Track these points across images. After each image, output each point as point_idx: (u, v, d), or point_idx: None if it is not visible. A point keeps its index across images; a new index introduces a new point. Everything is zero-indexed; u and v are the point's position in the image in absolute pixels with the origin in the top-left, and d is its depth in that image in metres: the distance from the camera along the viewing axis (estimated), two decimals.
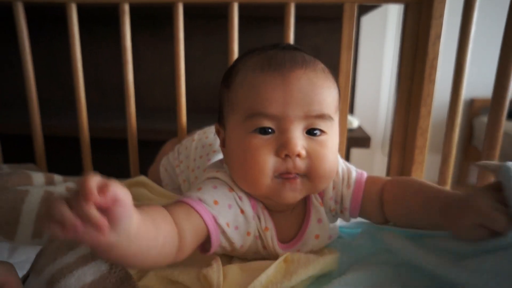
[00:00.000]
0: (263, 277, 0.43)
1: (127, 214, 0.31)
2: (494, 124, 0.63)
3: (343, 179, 0.52)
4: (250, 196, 0.49)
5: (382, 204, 0.51)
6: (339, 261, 0.48)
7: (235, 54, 0.84)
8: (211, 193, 0.46)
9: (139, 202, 0.64)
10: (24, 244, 0.49)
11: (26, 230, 0.53)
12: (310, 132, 0.45)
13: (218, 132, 0.54)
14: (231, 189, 0.48)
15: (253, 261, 0.50)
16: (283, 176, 0.44)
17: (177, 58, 0.85)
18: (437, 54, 0.79)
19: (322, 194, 0.52)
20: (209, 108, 1.47)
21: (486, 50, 1.53)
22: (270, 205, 0.50)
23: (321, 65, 0.48)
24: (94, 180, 0.28)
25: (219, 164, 0.53)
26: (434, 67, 0.79)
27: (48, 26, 1.48)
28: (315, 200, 0.51)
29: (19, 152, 1.20)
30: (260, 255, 0.51)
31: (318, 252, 0.51)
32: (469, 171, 2.04)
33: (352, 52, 0.81)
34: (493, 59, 0.66)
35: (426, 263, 0.41)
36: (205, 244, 0.46)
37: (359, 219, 0.56)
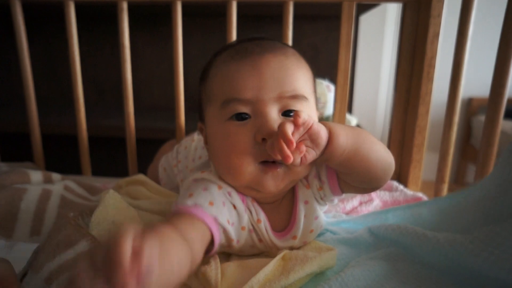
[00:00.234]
0: (261, 275, 0.43)
1: (154, 272, 0.28)
2: (491, 122, 0.63)
3: None
4: (238, 190, 0.49)
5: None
6: (337, 258, 0.48)
7: None
8: (204, 195, 0.46)
9: (138, 201, 0.64)
10: (22, 242, 0.49)
11: (24, 228, 0.53)
12: (286, 114, 0.45)
13: (201, 130, 0.54)
14: (220, 187, 0.48)
15: (251, 258, 0.50)
16: (265, 164, 0.44)
17: (176, 56, 0.85)
18: (435, 53, 0.79)
19: (307, 176, 0.50)
20: None
21: (485, 49, 1.53)
22: (259, 197, 0.50)
23: (291, 50, 0.48)
24: (127, 245, 0.26)
25: (205, 164, 0.54)
26: (432, 66, 0.79)
27: (46, 24, 1.48)
28: (301, 184, 0.51)
29: (17, 150, 1.20)
30: (257, 249, 0.51)
31: (315, 249, 0.51)
32: (467, 170, 2.04)
33: (350, 51, 0.81)
34: (491, 58, 0.66)
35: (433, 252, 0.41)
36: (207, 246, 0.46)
37: (360, 214, 0.56)
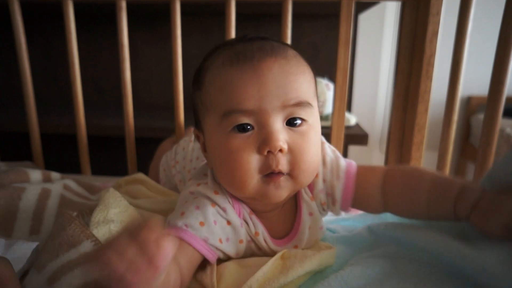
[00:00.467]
0: (260, 274, 0.43)
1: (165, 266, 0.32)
2: (490, 120, 0.63)
3: (331, 169, 0.50)
4: (234, 203, 0.48)
5: (385, 195, 0.48)
6: (336, 256, 0.48)
7: None
8: (195, 215, 0.46)
9: (138, 200, 0.64)
10: (21, 240, 0.49)
11: (23, 227, 0.53)
12: (291, 122, 0.43)
13: (197, 137, 0.52)
14: (213, 204, 0.47)
15: (250, 257, 0.50)
16: (268, 175, 0.43)
17: (175, 55, 0.85)
18: (434, 51, 0.79)
19: (312, 188, 0.50)
20: None
21: (484, 48, 1.53)
22: (258, 207, 0.49)
23: (291, 51, 0.46)
24: (155, 231, 0.30)
25: (202, 171, 0.52)
26: (431, 64, 0.79)
27: (45, 24, 1.48)
28: (305, 195, 0.50)
29: (16, 150, 1.20)
30: (258, 256, 0.51)
31: (315, 247, 0.51)
32: (466, 168, 2.04)
33: (349, 49, 0.81)
34: (490, 57, 0.66)
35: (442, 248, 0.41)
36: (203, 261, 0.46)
37: (359, 213, 0.56)
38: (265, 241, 0.49)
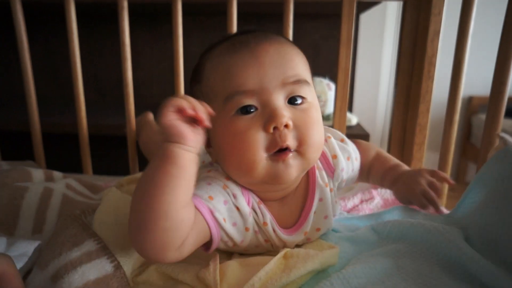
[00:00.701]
0: (262, 273, 0.43)
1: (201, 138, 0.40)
2: (492, 120, 0.63)
3: (353, 150, 0.56)
4: (244, 191, 0.48)
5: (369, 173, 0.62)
6: (339, 256, 0.48)
7: None
8: (205, 189, 0.46)
9: None
10: (22, 239, 0.49)
11: (26, 226, 0.53)
12: (292, 101, 0.45)
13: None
14: (225, 186, 0.47)
15: (252, 256, 0.50)
16: (275, 154, 0.43)
17: (176, 55, 0.85)
18: (436, 51, 0.79)
19: (332, 169, 0.52)
20: None
21: (485, 47, 1.53)
22: (268, 194, 0.49)
23: (284, 38, 0.48)
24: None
25: (208, 165, 0.52)
26: (433, 64, 0.79)
27: (46, 23, 1.48)
28: (321, 180, 0.51)
29: (18, 149, 1.20)
30: (262, 248, 0.51)
31: (317, 246, 0.51)
32: (467, 168, 2.04)
33: (351, 49, 0.81)
34: (491, 57, 0.66)
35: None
36: (207, 242, 0.45)
37: (362, 213, 0.56)
38: (273, 230, 0.49)
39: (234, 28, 0.83)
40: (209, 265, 0.45)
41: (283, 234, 0.49)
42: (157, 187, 0.37)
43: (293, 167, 0.44)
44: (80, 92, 0.89)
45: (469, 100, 1.94)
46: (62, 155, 1.39)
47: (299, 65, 0.46)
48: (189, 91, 0.52)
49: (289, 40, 0.49)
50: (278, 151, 0.43)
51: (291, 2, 0.80)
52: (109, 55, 1.52)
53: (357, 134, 1.19)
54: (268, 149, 0.43)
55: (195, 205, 0.43)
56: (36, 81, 0.92)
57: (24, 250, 0.46)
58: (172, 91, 0.89)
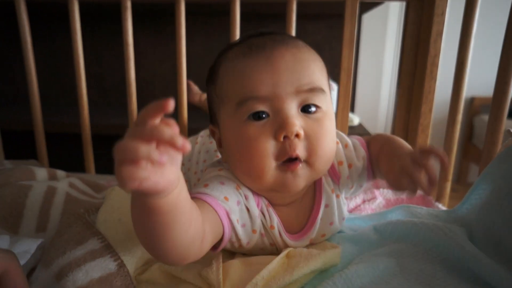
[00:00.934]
0: (265, 272, 0.43)
1: (180, 158, 0.30)
2: (495, 120, 0.63)
3: (354, 150, 0.52)
4: (254, 193, 0.48)
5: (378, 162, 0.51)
6: (342, 255, 0.48)
7: None
8: (220, 189, 0.45)
9: None
10: (26, 237, 0.50)
11: (30, 224, 0.53)
12: (305, 109, 0.44)
13: (213, 134, 0.52)
14: (238, 187, 0.47)
15: (255, 255, 0.50)
16: (285, 163, 0.43)
17: (179, 55, 0.85)
18: (439, 51, 0.79)
19: (338, 175, 0.51)
20: None
21: (486, 48, 1.53)
22: (276, 200, 0.49)
23: (302, 42, 0.47)
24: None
25: (217, 163, 0.52)
26: (435, 64, 0.79)
27: (48, 23, 1.48)
28: (327, 187, 0.50)
29: (21, 148, 1.20)
30: (267, 251, 0.51)
31: (320, 246, 0.51)
32: (469, 169, 2.04)
33: (354, 50, 0.81)
34: (493, 57, 0.66)
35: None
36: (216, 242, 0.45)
37: (364, 213, 0.56)
38: (280, 234, 0.49)
39: (237, 28, 0.83)
40: (212, 264, 0.45)
41: (288, 239, 0.49)
42: (154, 235, 0.34)
43: (301, 178, 0.44)
44: (83, 92, 0.89)
45: (471, 101, 1.94)
46: (65, 155, 1.39)
47: (315, 72, 0.44)
48: (206, 91, 0.52)
49: (307, 45, 0.48)
50: (288, 160, 0.43)
51: (294, 3, 0.80)
52: (112, 55, 1.53)
53: (359, 134, 1.18)
54: (277, 157, 0.43)
55: (212, 206, 0.43)
56: (39, 80, 0.92)
57: (27, 247, 0.46)
58: (174, 91, 0.89)
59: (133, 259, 0.46)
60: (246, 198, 0.47)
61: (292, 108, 0.43)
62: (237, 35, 0.83)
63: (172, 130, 0.27)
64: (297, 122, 0.42)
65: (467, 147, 1.98)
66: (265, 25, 1.41)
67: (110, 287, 0.40)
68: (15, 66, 1.57)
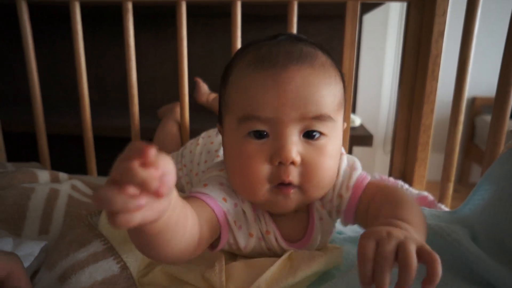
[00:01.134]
0: (268, 274, 0.43)
1: (173, 181, 0.28)
2: (498, 120, 0.63)
3: (343, 181, 0.48)
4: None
5: (367, 213, 0.45)
6: (344, 257, 0.48)
7: None
8: (219, 190, 0.46)
9: None
10: (29, 239, 0.50)
11: (33, 226, 0.54)
12: (309, 134, 0.42)
13: (220, 132, 0.52)
14: (240, 194, 0.47)
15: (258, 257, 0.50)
16: (278, 186, 0.43)
17: (180, 56, 0.85)
18: (441, 51, 0.79)
19: (322, 197, 0.49)
20: None
21: (488, 49, 1.53)
22: (270, 210, 0.49)
23: (321, 59, 0.44)
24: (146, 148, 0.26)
25: (221, 164, 0.52)
26: (437, 64, 0.79)
27: (51, 24, 1.48)
28: (317, 203, 0.49)
29: (23, 150, 1.21)
30: (266, 256, 0.50)
31: (322, 248, 0.51)
32: (471, 169, 2.04)
33: (355, 51, 0.81)
34: (494, 57, 0.66)
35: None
36: (213, 241, 0.46)
37: None
38: (276, 240, 0.49)
39: (238, 30, 0.83)
40: (214, 266, 0.45)
41: (286, 246, 0.49)
42: (147, 248, 0.35)
43: (293, 201, 0.44)
44: (84, 94, 0.89)
45: (472, 101, 1.94)
46: (67, 157, 1.39)
47: (326, 97, 0.42)
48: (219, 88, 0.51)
49: (326, 60, 0.44)
50: (281, 184, 0.42)
51: (295, 4, 0.80)
52: (113, 57, 1.53)
53: (360, 135, 1.18)
54: (271, 181, 0.42)
55: (210, 206, 0.43)
56: (41, 82, 0.92)
57: (30, 250, 0.46)
58: (176, 93, 0.89)
59: (135, 261, 0.46)
60: (243, 201, 0.47)
61: (292, 134, 0.42)
62: (238, 36, 0.83)
63: (145, 173, 0.25)
64: (295, 149, 0.41)
65: (468, 147, 1.98)
66: (266, 27, 1.41)
67: None
68: (16, 67, 1.57)
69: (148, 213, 0.27)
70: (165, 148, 0.84)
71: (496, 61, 0.64)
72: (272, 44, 0.45)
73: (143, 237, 0.32)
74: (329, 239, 0.52)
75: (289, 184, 0.42)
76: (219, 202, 0.44)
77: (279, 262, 0.45)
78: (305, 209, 0.50)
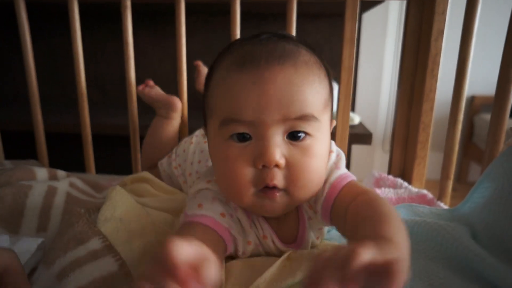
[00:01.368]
0: (267, 274, 0.43)
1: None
2: (497, 119, 0.63)
3: (325, 180, 0.47)
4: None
5: (345, 218, 0.42)
6: None
7: None
8: (214, 207, 0.45)
9: (143, 198, 0.65)
10: (26, 237, 0.50)
11: (30, 224, 0.53)
12: (294, 135, 0.41)
13: (206, 135, 0.51)
14: (228, 200, 0.47)
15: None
16: (264, 190, 0.42)
17: (179, 54, 0.85)
18: (440, 49, 0.79)
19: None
20: None
21: (486, 47, 1.53)
22: (259, 213, 0.48)
23: (304, 57, 0.42)
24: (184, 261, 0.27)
25: (209, 173, 0.51)
26: (436, 63, 0.79)
27: (48, 22, 1.48)
28: (305, 204, 0.49)
29: (21, 149, 1.20)
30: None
31: (321, 247, 0.51)
32: (469, 168, 2.04)
33: (354, 49, 0.81)
34: (493, 56, 0.66)
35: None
36: None
37: None
38: (273, 243, 0.48)
39: (237, 28, 0.82)
40: None
41: (283, 247, 0.49)
42: None
43: (280, 204, 0.43)
44: (83, 92, 0.89)
45: (471, 100, 1.94)
46: (65, 155, 1.39)
47: (309, 97, 0.41)
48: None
49: (310, 57, 0.43)
50: (266, 188, 0.41)
51: (294, 2, 0.80)
52: (110, 55, 1.53)
53: (359, 134, 1.18)
54: (255, 185, 0.41)
55: (210, 226, 0.43)
56: (39, 80, 0.92)
57: (27, 247, 0.46)
58: (175, 91, 0.89)
59: (134, 259, 0.46)
60: (235, 210, 0.47)
61: (275, 135, 0.40)
62: (238, 34, 0.83)
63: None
64: (278, 151, 0.40)
65: (467, 146, 1.98)
66: (265, 25, 1.41)
67: (112, 287, 0.40)
68: (14, 66, 1.57)
69: None
70: (164, 149, 0.83)
71: (495, 60, 0.64)
72: (253, 43, 0.44)
73: None
74: (324, 231, 0.52)
75: (274, 188, 0.41)
76: (218, 219, 0.44)
77: (279, 262, 0.45)
78: (295, 210, 0.50)
